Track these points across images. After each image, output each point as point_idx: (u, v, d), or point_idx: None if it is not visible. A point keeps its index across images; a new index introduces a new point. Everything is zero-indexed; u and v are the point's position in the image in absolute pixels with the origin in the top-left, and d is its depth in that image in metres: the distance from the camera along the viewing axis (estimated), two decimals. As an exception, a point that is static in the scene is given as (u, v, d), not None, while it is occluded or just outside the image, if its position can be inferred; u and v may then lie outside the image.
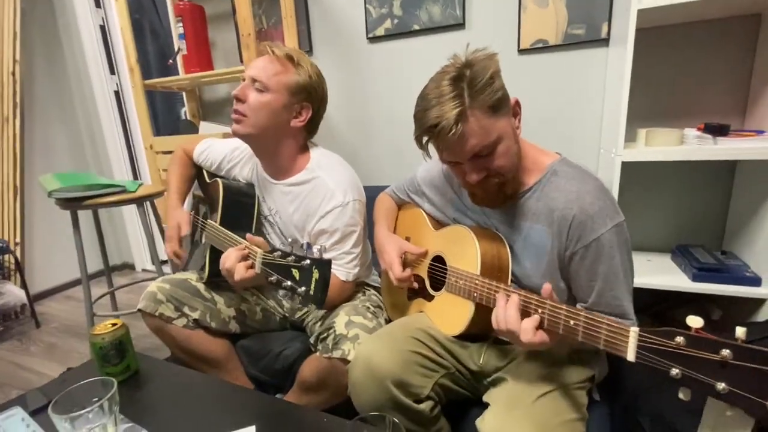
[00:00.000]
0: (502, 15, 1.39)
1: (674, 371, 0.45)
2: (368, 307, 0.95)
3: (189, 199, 1.23)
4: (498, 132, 0.70)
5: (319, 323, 1.01)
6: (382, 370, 0.72)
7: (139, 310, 1.01)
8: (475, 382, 0.83)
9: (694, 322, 0.46)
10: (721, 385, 0.42)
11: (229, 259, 0.77)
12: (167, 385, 0.80)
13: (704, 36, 1.18)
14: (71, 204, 1.44)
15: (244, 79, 0.95)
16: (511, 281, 0.82)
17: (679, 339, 0.45)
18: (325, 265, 0.62)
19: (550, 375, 0.73)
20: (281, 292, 1.09)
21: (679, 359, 0.45)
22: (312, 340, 0.96)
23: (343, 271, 0.97)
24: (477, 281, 0.76)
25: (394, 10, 1.53)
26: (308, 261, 0.62)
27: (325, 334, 0.90)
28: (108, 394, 0.60)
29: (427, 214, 1.01)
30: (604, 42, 1.29)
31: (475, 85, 0.68)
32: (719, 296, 1.08)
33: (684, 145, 1.08)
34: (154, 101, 2.69)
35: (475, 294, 0.76)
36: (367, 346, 0.77)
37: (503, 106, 0.71)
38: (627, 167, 1.08)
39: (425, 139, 0.72)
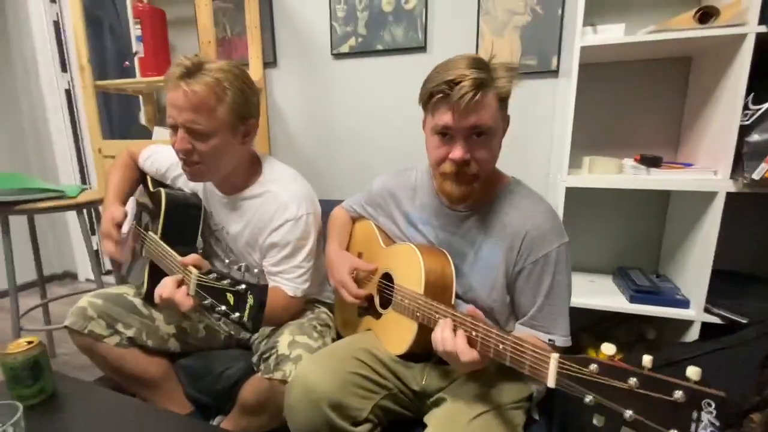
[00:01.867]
0: (461, 41, 1.44)
1: (588, 398, 0.47)
2: (315, 326, 0.93)
3: (133, 205, 1.17)
4: (498, 124, 0.75)
5: (264, 341, 0.97)
6: (319, 392, 0.71)
7: (66, 327, 0.94)
8: (418, 402, 0.83)
9: (608, 349, 0.48)
10: (628, 413, 0.44)
11: (166, 288, 0.72)
12: (87, 410, 0.74)
13: (642, 74, 1.27)
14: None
15: (173, 126, 0.85)
16: (457, 297, 0.83)
17: (593, 366, 0.47)
18: (261, 291, 0.60)
19: (488, 395, 0.74)
20: (215, 315, 1.04)
21: (592, 386, 0.47)
22: (255, 359, 0.93)
23: (291, 285, 0.95)
24: (420, 301, 0.76)
25: (359, 29, 1.55)
26: (243, 286, 0.60)
27: (268, 354, 0.87)
28: (12, 420, 0.55)
29: (378, 229, 1.01)
30: (554, 73, 1.37)
31: (497, 71, 0.72)
32: (654, 317, 1.14)
33: (622, 173, 1.15)
34: (111, 103, 2.57)
35: (418, 314, 0.77)
36: (305, 367, 0.75)
37: (506, 108, 0.77)
38: (572, 192, 1.13)
39: (437, 95, 0.71)
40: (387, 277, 0.91)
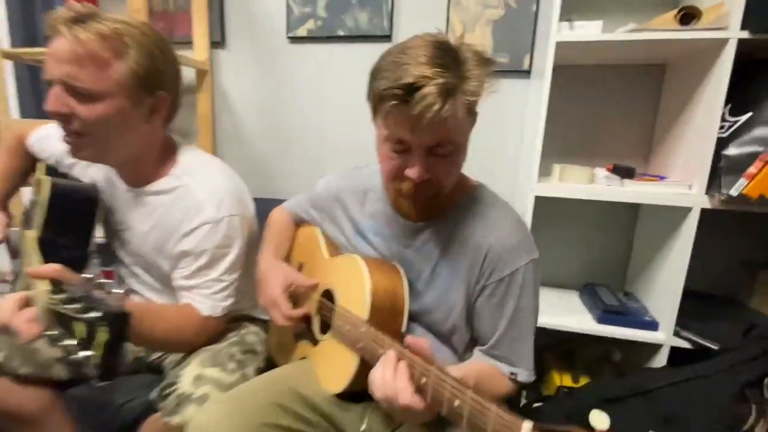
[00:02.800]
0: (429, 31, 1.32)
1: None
2: (233, 355, 0.76)
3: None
4: (464, 138, 0.61)
5: (174, 369, 0.79)
6: None
7: None
8: (356, 451, 0.68)
9: (599, 422, 0.35)
10: None
11: (4, 310, 0.53)
12: None
13: (615, 80, 1.20)
14: None
15: (49, 82, 0.66)
16: (410, 320, 0.70)
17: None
18: (120, 321, 0.43)
19: None
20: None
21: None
22: (154, 394, 0.74)
23: (207, 303, 0.77)
24: (362, 329, 0.62)
25: (319, 10, 1.40)
26: (97, 314, 0.43)
27: (168, 390, 0.69)
28: None
29: (324, 235, 0.86)
30: (526, 74, 1.27)
31: (468, 67, 0.55)
32: (623, 340, 1.06)
33: (594, 183, 1.06)
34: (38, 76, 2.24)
35: (360, 345, 0.62)
36: (204, 415, 0.58)
37: (474, 118, 0.62)
38: (540, 201, 1.03)
39: (390, 101, 0.54)
40: (329, 295, 0.76)
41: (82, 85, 0.65)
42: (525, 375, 0.66)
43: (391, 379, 0.49)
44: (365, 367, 0.62)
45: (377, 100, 0.57)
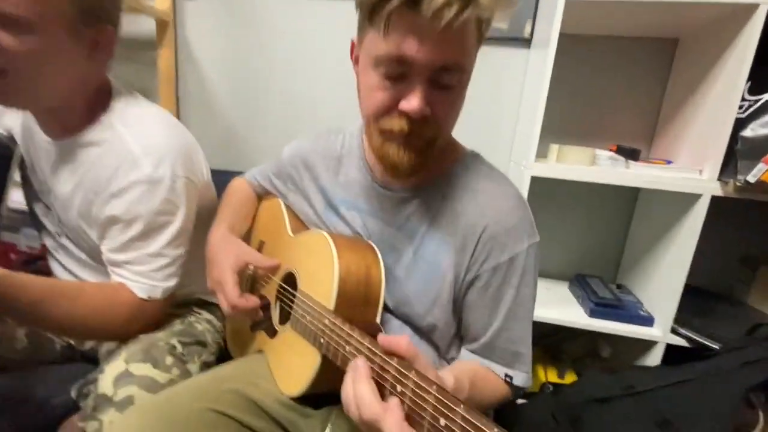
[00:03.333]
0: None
1: None
2: (173, 347, 0.64)
3: None
4: (470, 68, 0.50)
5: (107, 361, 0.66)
6: None
7: None
8: (314, 463, 0.57)
9: None
10: None
11: None
12: None
13: (624, 53, 1.09)
14: None
15: None
16: (386, 311, 0.59)
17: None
18: None
19: None
20: None
21: None
22: (74, 392, 0.61)
23: (143, 283, 0.64)
24: (326, 321, 0.50)
25: (298, -41, 1.23)
26: None
27: (88, 389, 0.57)
28: None
29: (289, 210, 0.73)
30: (526, 43, 1.15)
31: None
32: (613, 334, 0.99)
33: (595, 165, 0.96)
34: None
35: (322, 341, 0.50)
36: (118, 428, 0.46)
37: (477, 49, 0.51)
38: (535, 183, 0.93)
39: (393, 2, 0.42)
40: (291, 279, 0.64)
41: (10, 10, 0.50)
42: (522, 378, 0.56)
43: (369, 395, 0.37)
44: (328, 366, 0.51)
45: (373, 4, 0.45)
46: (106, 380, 0.55)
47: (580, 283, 1.12)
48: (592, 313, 1.00)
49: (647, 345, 0.98)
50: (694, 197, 0.87)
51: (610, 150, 0.96)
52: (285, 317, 0.64)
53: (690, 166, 0.92)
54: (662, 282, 0.98)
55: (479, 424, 0.30)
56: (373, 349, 0.41)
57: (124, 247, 0.63)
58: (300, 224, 0.72)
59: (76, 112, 0.65)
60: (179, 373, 0.60)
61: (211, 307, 0.82)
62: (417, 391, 0.36)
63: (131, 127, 0.63)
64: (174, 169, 0.63)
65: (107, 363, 0.58)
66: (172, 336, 0.66)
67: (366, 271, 0.56)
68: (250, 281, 0.75)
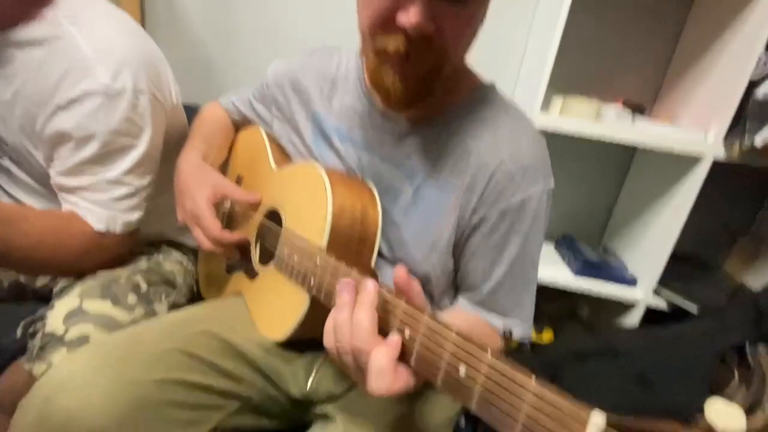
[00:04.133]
0: None
1: None
2: (137, 285, 0.56)
3: None
4: None
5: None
6: (82, 426, 0.36)
7: None
8: (296, 410, 0.53)
9: (723, 418, 0.21)
10: None
11: None
12: None
13: (638, 6, 1.02)
14: None
15: None
16: (379, 255, 0.53)
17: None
18: None
19: (406, 415, 0.46)
20: None
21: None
22: (20, 330, 0.53)
23: (100, 213, 0.55)
24: (317, 260, 0.44)
25: None
26: None
27: (35, 328, 0.49)
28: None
29: (271, 140, 0.65)
30: (538, -17, 1.05)
31: None
32: (590, 295, 0.99)
33: (600, 120, 0.92)
34: None
35: (313, 280, 0.45)
36: (66, 367, 0.39)
37: None
38: (539, 135, 0.88)
39: None
40: (275, 216, 0.57)
41: None
42: (522, 330, 0.53)
43: (368, 325, 0.32)
44: (317, 309, 0.46)
45: None
46: (55, 317, 0.48)
47: (566, 244, 1.11)
48: (578, 273, 1.00)
49: (627, 307, 1.00)
50: (695, 160, 0.85)
51: (620, 103, 0.91)
52: (267, 257, 0.57)
53: (694, 127, 0.88)
54: (650, 245, 0.98)
55: (511, 372, 0.26)
56: (381, 283, 0.36)
57: (77, 170, 0.53)
58: (285, 157, 0.64)
59: (14, 3, 0.52)
60: (144, 313, 0.54)
61: (184, 248, 0.74)
62: (430, 336, 0.31)
63: (83, 27, 0.52)
64: (136, 82, 0.53)
65: (59, 299, 0.50)
66: (137, 273, 0.59)
67: (362, 208, 0.50)
68: (225, 219, 0.67)
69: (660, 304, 0.95)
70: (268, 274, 0.55)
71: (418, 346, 0.31)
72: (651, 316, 0.97)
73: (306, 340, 0.51)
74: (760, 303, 0.81)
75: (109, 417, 0.37)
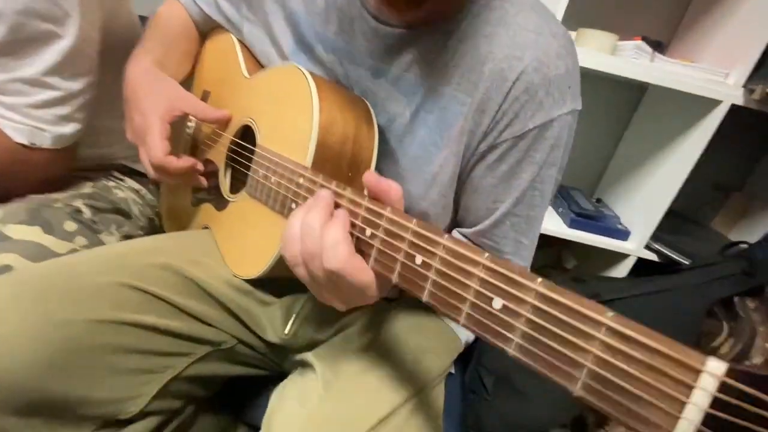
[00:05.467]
0: None
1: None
2: (78, 210, 0.46)
3: None
4: None
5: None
6: (7, 374, 0.29)
7: None
8: (273, 357, 0.47)
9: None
10: None
11: None
12: None
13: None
14: None
15: None
16: None
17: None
18: None
19: (396, 367, 0.41)
20: None
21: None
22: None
23: (19, 122, 0.44)
24: (300, 180, 0.36)
25: None
26: None
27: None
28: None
29: (243, 47, 0.54)
30: None
31: None
32: (579, 246, 0.96)
33: (616, 55, 0.83)
34: None
35: (294, 205, 0.36)
36: None
37: None
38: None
39: None
40: (247, 134, 0.47)
41: None
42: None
43: (316, 225, 0.28)
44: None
45: None
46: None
47: (561, 194, 1.06)
48: (572, 224, 0.96)
49: (615, 258, 0.97)
50: (712, 104, 0.79)
51: (640, 39, 0.82)
52: (239, 185, 0.48)
53: (713, 69, 0.81)
54: (647, 196, 0.94)
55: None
56: (376, 209, 0.28)
57: None
58: (255, 65, 0.53)
59: None
60: (87, 244, 0.45)
61: (140, 176, 0.64)
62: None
63: None
64: None
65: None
66: (77, 198, 0.49)
67: (355, 124, 0.41)
68: (189, 143, 0.57)
69: (652, 256, 0.92)
70: (240, 202, 0.46)
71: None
72: (637, 267, 0.96)
73: (283, 280, 0.44)
74: (753, 255, 0.79)
75: (30, 362, 0.29)
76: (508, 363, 0.86)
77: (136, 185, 0.63)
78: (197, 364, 0.39)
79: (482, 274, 0.22)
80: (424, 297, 0.25)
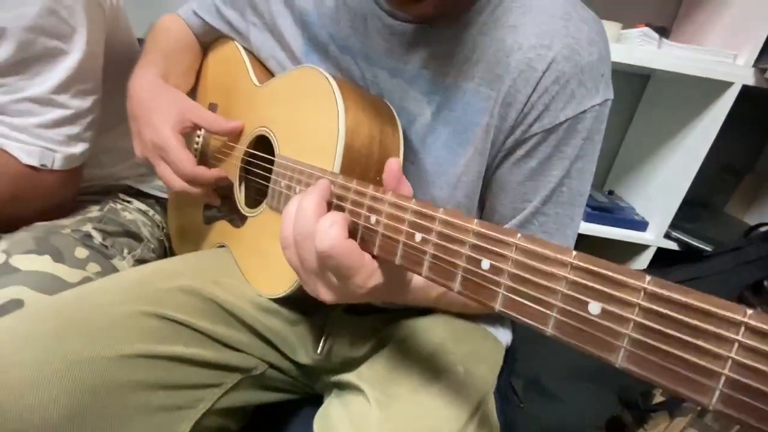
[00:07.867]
0: None
1: None
2: (89, 236, 0.44)
3: None
4: None
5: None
6: (10, 425, 0.26)
7: None
8: (305, 380, 0.44)
9: None
10: None
11: None
12: None
13: None
14: None
15: None
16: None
17: None
18: None
19: (456, 376, 0.38)
20: None
21: None
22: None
23: (31, 145, 0.41)
24: (333, 186, 0.33)
25: None
26: None
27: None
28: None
29: (250, 56, 0.51)
30: None
31: None
32: (596, 240, 0.94)
33: (621, 43, 0.82)
34: None
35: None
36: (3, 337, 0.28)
37: None
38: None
39: None
40: (262, 144, 0.45)
41: None
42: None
43: (311, 213, 0.28)
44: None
45: None
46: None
47: (572, 188, 1.04)
48: (588, 218, 0.94)
49: (635, 249, 0.95)
50: (724, 86, 0.78)
51: (644, 26, 0.81)
52: (255, 199, 0.46)
53: (720, 52, 0.80)
54: (661, 185, 0.93)
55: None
56: (421, 210, 0.26)
57: None
58: (265, 73, 0.51)
59: None
60: (100, 271, 0.42)
61: (147, 198, 0.61)
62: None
63: None
64: None
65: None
66: (86, 223, 0.46)
67: (380, 125, 0.39)
68: (198, 157, 0.55)
69: (672, 245, 0.91)
70: (260, 217, 0.44)
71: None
72: (655, 258, 0.94)
73: (311, 297, 0.41)
74: (780, 238, 0.78)
75: (53, 409, 0.26)
76: (536, 366, 0.83)
77: (143, 206, 0.60)
78: (229, 395, 0.36)
79: (571, 276, 0.20)
80: (498, 305, 0.22)
